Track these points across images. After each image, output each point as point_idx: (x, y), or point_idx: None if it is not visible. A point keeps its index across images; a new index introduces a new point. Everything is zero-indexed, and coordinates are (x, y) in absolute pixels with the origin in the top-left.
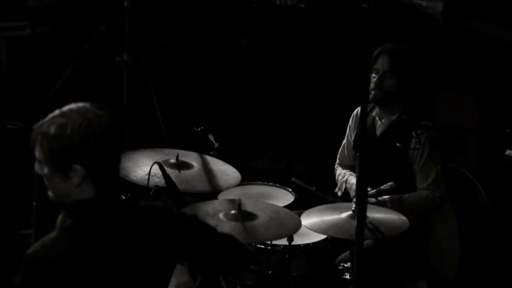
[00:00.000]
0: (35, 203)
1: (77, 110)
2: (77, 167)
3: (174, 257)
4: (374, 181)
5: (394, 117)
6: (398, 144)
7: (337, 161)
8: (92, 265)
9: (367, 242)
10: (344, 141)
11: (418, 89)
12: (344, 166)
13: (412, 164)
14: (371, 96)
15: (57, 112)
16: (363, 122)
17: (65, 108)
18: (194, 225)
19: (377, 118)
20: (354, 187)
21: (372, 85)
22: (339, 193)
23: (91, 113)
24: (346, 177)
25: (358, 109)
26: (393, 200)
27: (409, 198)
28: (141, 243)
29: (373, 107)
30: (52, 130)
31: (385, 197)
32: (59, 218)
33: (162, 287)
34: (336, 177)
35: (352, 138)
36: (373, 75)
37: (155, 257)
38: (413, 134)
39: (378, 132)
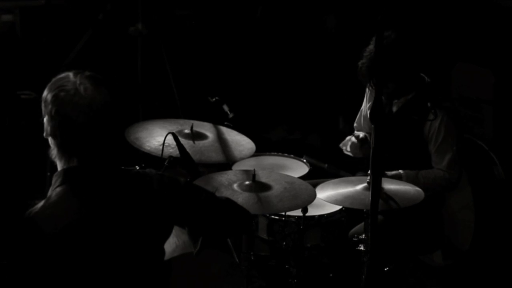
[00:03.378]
0: (48, 173)
1: (73, 81)
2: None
3: (169, 222)
4: (391, 158)
5: (409, 96)
6: (415, 117)
7: (354, 128)
8: (85, 231)
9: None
10: (361, 108)
11: (426, 70)
12: None
13: (428, 144)
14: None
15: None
16: (379, 95)
17: (74, 76)
18: (189, 189)
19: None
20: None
21: None
22: (344, 149)
23: (84, 86)
24: (355, 134)
25: None
26: (409, 174)
27: (425, 175)
28: (133, 210)
29: None
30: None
31: (401, 171)
32: (51, 187)
33: (157, 252)
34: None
35: (368, 107)
36: None
37: (149, 223)
38: (428, 104)
39: (394, 109)
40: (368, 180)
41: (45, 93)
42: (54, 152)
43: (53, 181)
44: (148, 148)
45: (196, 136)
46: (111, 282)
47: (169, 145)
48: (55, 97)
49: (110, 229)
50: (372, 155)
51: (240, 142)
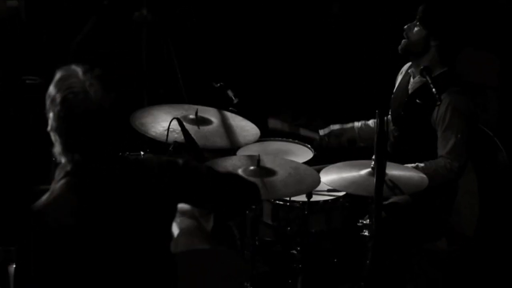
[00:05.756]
0: (54, 159)
1: (82, 80)
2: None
3: (174, 204)
4: (400, 143)
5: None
6: (418, 101)
7: None
8: (89, 224)
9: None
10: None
11: (450, 48)
12: None
13: (436, 129)
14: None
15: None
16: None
17: (84, 75)
18: (188, 168)
19: (411, 76)
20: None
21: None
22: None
23: (94, 88)
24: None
25: (406, 65)
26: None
27: (425, 167)
28: (136, 197)
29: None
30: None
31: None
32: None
33: (164, 235)
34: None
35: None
36: None
37: (153, 208)
38: (434, 91)
39: (410, 90)
40: (372, 166)
41: (52, 90)
42: (57, 148)
43: (56, 174)
44: (154, 134)
45: (200, 121)
46: (118, 273)
47: (174, 131)
48: (63, 100)
49: (114, 219)
50: (376, 141)
51: (245, 127)
